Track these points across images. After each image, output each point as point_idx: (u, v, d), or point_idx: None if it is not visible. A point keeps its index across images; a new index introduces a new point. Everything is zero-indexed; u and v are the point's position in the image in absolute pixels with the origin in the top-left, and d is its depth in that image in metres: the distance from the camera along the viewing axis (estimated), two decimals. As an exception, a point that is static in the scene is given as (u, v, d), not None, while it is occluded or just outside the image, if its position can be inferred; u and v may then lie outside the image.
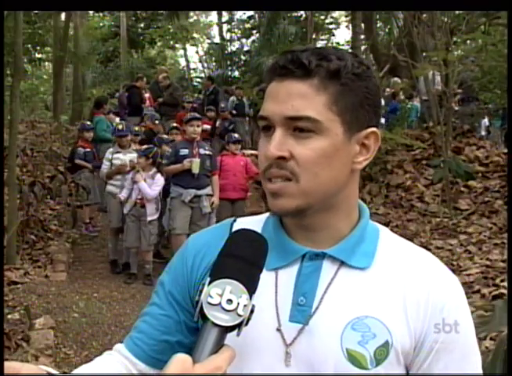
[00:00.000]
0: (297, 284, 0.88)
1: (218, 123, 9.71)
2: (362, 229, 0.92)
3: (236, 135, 6.82)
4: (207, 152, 5.85)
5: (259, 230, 0.91)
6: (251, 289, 0.75)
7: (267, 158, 0.85)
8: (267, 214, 0.98)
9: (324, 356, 0.84)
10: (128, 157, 6.21)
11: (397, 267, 0.89)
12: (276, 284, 0.88)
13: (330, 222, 0.90)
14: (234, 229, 0.95)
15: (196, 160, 5.64)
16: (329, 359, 0.84)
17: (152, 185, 5.74)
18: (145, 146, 6.10)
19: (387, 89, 10.97)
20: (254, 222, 0.96)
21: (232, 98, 11.30)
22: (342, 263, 0.89)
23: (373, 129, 0.88)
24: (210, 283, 0.75)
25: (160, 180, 5.81)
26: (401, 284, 0.88)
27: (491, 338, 3.65)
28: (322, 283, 0.88)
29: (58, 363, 3.92)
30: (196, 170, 5.63)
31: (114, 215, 6.17)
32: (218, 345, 0.72)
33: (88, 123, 7.94)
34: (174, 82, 12.29)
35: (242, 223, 0.98)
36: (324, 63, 0.84)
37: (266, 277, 0.86)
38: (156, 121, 8.60)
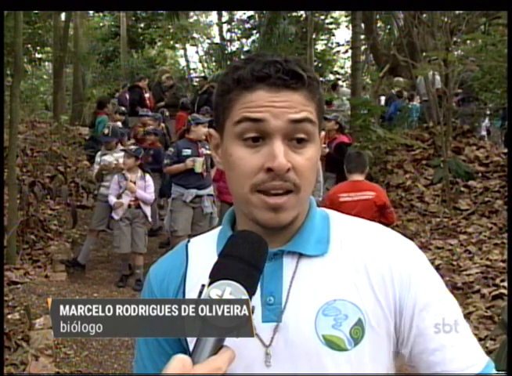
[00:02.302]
0: (263, 285, 0.90)
1: None
2: (312, 218, 0.95)
3: None
4: (208, 151, 5.84)
5: (214, 244, 0.95)
6: (251, 290, 0.76)
7: (277, 170, 0.84)
8: (218, 228, 1.00)
9: (303, 347, 0.86)
10: (114, 157, 6.11)
11: (354, 246, 0.92)
12: None
13: (293, 222, 0.92)
14: (189, 250, 0.98)
15: (200, 160, 5.64)
16: (309, 349, 0.86)
17: (146, 187, 5.67)
18: (133, 147, 5.97)
19: (396, 89, 10.94)
20: (208, 238, 0.99)
21: None
22: (301, 255, 0.91)
23: (323, 132, 0.96)
24: (209, 284, 0.75)
25: (150, 180, 5.75)
26: (361, 262, 0.90)
27: (491, 338, 3.66)
28: (286, 278, 0.90)
29: (58, 363, 3.92)
30: (198, 169, 5.62)
31: (98, 216, 6.03)
32: (218, 346, 0.72)
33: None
34: (177, 83, 12.23)
35: (196, 241, 1.01)
36: (310, 74, 0.88)
37: None
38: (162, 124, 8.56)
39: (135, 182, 5.64)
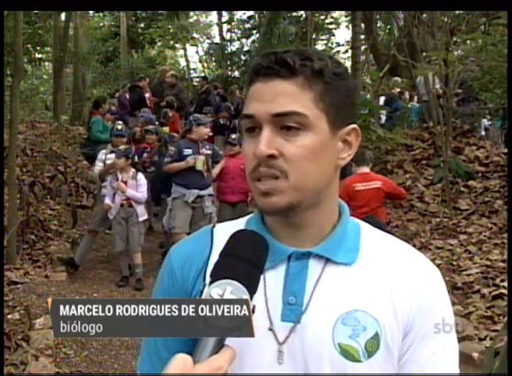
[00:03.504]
0: (286, 284, 0.89)
1: (222, 121, 9.93)
2: (344, 226, 0.94)
3: (233, 136, 6.78)
4: (209, 151, 5.87)
5: None
6: (252, 289, 0.76)
7: (256, 157, 0.85)
8: (247, 217, 0.99)
9: (317, 352, 0.86)
10: None
11: (382, 261, 0.92)
12: (265, 285, 0.89)
13: (315, 218, 0.91)
14: (215, 235, 0.97)
15: (201, 158, 5.65)
16: (323, 354, 0.86)
17: (137, 186, 5.66)
18: (123, 147, 5.94)
19: (397, 89, 10.92)
20: (234, 226, 0.97)
21: None
22: (328, 260, 0.91)
23: (354, 126, 0.91)
24: (211, 283, 0.75)
25: (143, 179, 5.75)
26: (387, 277, 0.90)
27: (491, 338, 3.66)
28: (310, 281, 0.89)
29: (58, 363, 3.92)
30: (199, 167, 5.63)
31: (99, 217, 6.00)
32: (219, 346, 0.72)
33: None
34: (179, 83, 12.20)
35: (221, 228, 0.99)
36: (308, 62, 0.86)
37: None
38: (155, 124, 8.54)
39: (126, 182, 5.63)
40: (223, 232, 0.95)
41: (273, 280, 0.90)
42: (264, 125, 0.86)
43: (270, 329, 0.87)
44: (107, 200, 5.66)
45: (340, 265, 0.90)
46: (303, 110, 0.85)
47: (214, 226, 1.01)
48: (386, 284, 0.89)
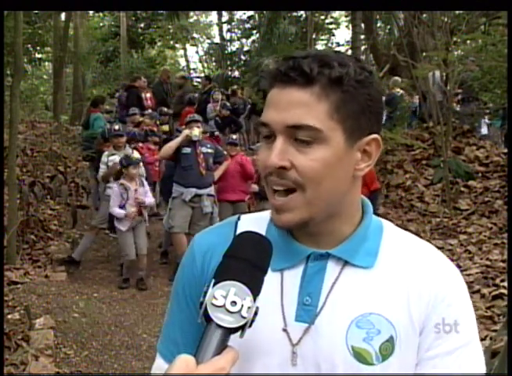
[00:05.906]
0: (303, 284, 0.89)
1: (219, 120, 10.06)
2: (366, 227, 0.92)
3: (234, 137, 6.86)
4: (210, 150, 5.86)
5: (263, 230, 0.93)
6: (255, 291, 0.75)
7: (268, 167, 0.85)
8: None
9: (330, 354, 0.85)
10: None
11: (400, 263, 0.90)
12: (282, 285, 0.89)
13: (334, 227, 0.90)
14: (239, 228, 0.96)
15: (197, 129, 5.71)
16: (336, 357, 0.85)
17: (146, 192, 5.69)
18: (135, 156, 5.85)
19: (400, 90, 10.93)
20: (259, 221, 0.97)
21: None
22: (346, 263, 0.90)
23: (375, 136, 0.88)
24: (214, 284, 0.75)
25: (147, 185, 5.81)
26: (404, 280, 0.89)
27: (491, 338, 3.66)
28: (326, 282, 0.89)
29: (58, 363, 3.91)
30: (196, 135, 5.68)
31: (103, 215, 6.02)
32: (222, 347, 0.72)
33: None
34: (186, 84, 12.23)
35: (246, 221, 0.98)
36: (326, 70, 0.83)
37: (272, 278, 0.87)
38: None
39: (136, 190, 5.60)
40: (247, 224, 0.95)
41: (290, 279, 0.90)
42: (278, 135, 0.84)
43: (284, 330, 0.87)
44: (116, 210, 5.51)
45: (358, 268, 0.89)
46: (316, 123, 0.82)
47: (239, 218, 1.00)
48: (403, 288, 0.88)
